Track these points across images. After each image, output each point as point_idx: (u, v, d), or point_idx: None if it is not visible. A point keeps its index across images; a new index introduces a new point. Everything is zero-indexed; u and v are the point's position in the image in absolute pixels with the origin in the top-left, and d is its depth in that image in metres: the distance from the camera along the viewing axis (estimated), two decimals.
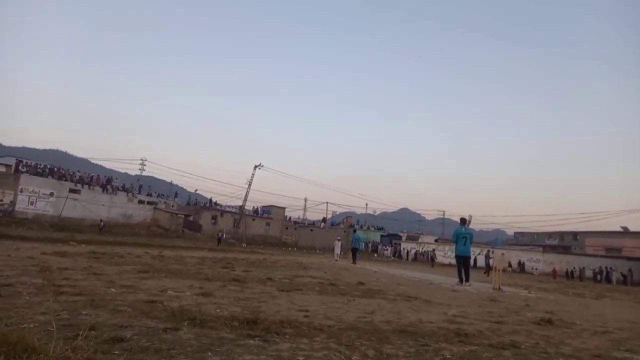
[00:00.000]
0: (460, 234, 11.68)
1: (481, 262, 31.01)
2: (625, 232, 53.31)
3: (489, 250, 28.85)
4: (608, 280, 36.36)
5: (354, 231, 25.49)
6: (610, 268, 38.05)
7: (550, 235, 64.54)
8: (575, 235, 60.14)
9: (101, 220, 39.89)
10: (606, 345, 4.22)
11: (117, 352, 2.61)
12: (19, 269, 6.98)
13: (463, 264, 11.79)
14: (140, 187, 51.56)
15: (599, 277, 37.24)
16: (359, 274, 13.05)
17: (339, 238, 27.75)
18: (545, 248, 54.14)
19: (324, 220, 65.90)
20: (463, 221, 11.96)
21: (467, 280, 11.58)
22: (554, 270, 38.87)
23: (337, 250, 25.43)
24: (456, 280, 11.83)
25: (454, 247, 12.28)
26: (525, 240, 68.50)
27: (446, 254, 41.94)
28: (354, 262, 20.47)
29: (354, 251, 22.06)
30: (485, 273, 24.06)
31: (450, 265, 38.09)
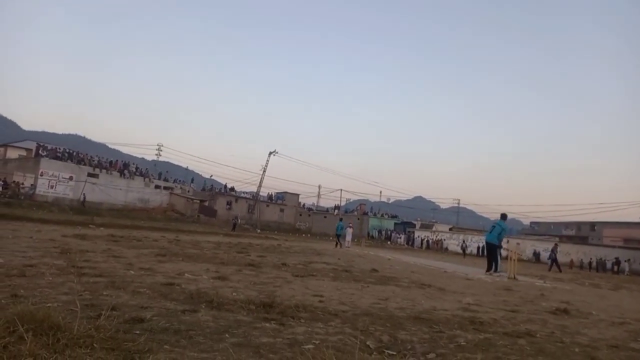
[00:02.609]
0: (494, 224, 12.35)
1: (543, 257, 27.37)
2: None
3: (555, 244, 25.63)
4: (625, 271, 35.69)
5: (340, 219, 28.07)
6: (628, 259, 37.35)
7: (567, 225, 63.58)
8: (592, 225, 59.13)
9: (83, 194, 40.38)
10: (623, 336, 4.17)
11: (138, 331, 2.68)
12: (41, 250, 7.18)
13: (487, 251, 12.15)
14: (160, 174, 52.20)
15: (616, 268, 36.60)
16: (373, 261, 13.11)
17: (350, 225, 27.79)
18: (562, 238, 53.35)
19: (338, 207, 65.91)
20: (502, 216, 12.58)
21: (487, 269, 11.58)
22: (571, 261, 38.33)
23: (349, 237, 25.56)
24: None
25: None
26: (541, 230, 67.62)
27: (460, 244, 41.77)
28: (339, 246, 22.42)
29: (339, 237, 24.02)
30: (550, 270, 20.48)
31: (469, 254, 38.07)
